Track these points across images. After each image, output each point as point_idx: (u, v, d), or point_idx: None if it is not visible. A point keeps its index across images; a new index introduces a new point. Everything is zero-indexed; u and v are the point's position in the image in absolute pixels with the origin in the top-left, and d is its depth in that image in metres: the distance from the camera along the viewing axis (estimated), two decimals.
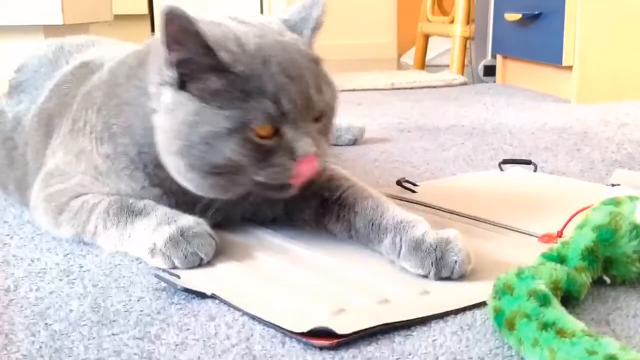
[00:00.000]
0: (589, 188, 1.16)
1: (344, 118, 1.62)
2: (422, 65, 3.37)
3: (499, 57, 2.74)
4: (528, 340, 0.61)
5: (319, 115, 0.86)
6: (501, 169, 1.29)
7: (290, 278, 0.80)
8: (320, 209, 0.94)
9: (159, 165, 0.88)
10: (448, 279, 0.79)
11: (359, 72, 3.05)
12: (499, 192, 1.15)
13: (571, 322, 0.61)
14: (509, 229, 0.96)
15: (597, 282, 0.78)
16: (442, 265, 0.79)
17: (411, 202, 1.09)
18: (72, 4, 2.55)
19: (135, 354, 0.65)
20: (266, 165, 0.82)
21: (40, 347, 0.66)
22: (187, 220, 0.85)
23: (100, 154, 0.93)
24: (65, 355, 0.65)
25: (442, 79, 2.70)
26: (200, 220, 0.86)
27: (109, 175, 0.92)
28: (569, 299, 0.73)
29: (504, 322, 0.64)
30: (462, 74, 2.84)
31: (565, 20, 2.13)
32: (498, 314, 0.66)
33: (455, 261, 0.79)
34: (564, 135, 1.67)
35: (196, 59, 0.81)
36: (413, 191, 1.14)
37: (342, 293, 0.75)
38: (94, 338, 0.68)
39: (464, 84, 2.68)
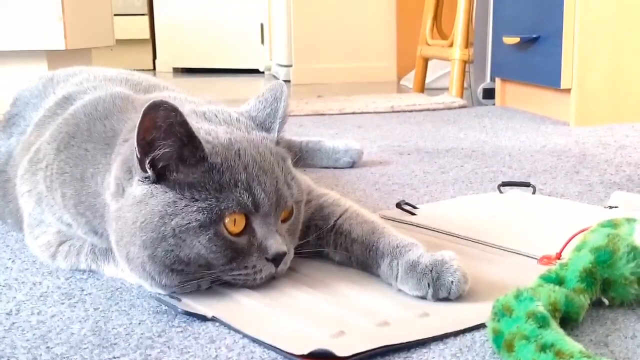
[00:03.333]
0: (587, 210, 1.17)
1: (342, 140, 1.63)
2: (422, 88, 3.38)
3: (498, 80, 2.76)
4: None
5: (288, 213, 0.86)
6: (500, 191, 1.30)
7: (290, 300, 0.80)
8: (318, 240, 0.94)
9: (95, 232, 0.89)
10: (446, 299, 0.80)
11: (359, 95, 3.07)
12: (498, 214, 1.16)
13: (570, 343, 0.61)
14: (508, 251, 0.97)
15: (596, 304, 0.78)
16: (438, 286, 0.80)
17: (411, 224, 1.10)
18: (75, 29, 2.58)
19: None
20: (237, 266, 0.81)
21: None
22: None
23: (56, 203, 0.93)
24: None
25: (442, 101, 2.72)
26: None
27: (75, 226, 0.93)
28: (568, 320, 0.73)
29: (503, 344, 0.65)
30: (462, 96, 2.86)
31: (563, 43, 2.15)
32: (497, 336, 0.66)
33: (452, 281, 0.80)
34: (562, 157, 1.68)
35: (176, 152, 0.79)
36: (413, 214, 1.15)
37: (342, 315, 0.76)
38: None
39: (464, 106, 2.69)
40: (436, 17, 3.32)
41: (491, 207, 1.20)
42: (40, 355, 0.70)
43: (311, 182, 1.01)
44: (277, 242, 0.82)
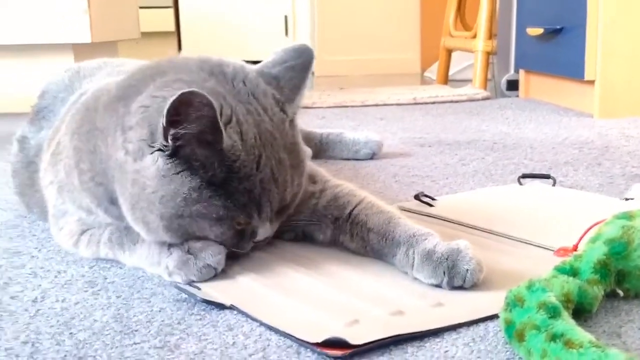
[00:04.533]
0: (606, 202, 1.17)
1: (363, 132, 1.64)
2: (445, 80, 3.38)
3: (521, 71, 2.75)
4: (537, 351, 0.62)
5: (285, 206, 0.90)
6: (520, 183, 1.30)
7: (307, 290, 0.82)
8: (335, 229, 0.95)
9: (111, 201, 0.90)
10: (461, 288, 0.81)
11: (383, 87, 3.07)
12: (517, 206, 1.16)
13: (580, 333, 0.62)
14: (525, 242, 0.97)
15: (610, 295, 0.79)
16: (454, 274, 0.81)
17: (429, 216, 1.10)
18: (100, 22, 2.61)
19: None
20: (238, 245, 0.87)
21: (65, 356, 0.69)
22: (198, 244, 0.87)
23: (75, 188, 0.94)
24: None
25: (465, 93, 2.71)
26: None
27: (95, 212, 0.95)
28: (581, 311, 0.74)
29: (514, 334, 0.65)
30: (485, 88, 2.85)
31: (587, 34, 2.13)
32: (509, 326, 0.67)
33: (467, 270, 0.81)
34: (584, 149, 1.67)
35: (196, 139, 0.80)
36: (431, 205, 1.15)
37: (357, 305, 0.77)
38: (116, 347, 0.70)
39: (487, 98, 2.68)
40: (460, 8, 3.30)
41: (510, 199, 1.21)
42: (64, 341, 0.72)
43: (326, 172, 1.02)
44: (265, 230, 0.88)
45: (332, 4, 4.15)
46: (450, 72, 3.52)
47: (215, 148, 0.81)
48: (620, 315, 0.75)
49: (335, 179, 1.01)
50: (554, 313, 0.65)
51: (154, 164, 0.82)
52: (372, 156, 1.59)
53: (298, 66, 0.92)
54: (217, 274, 0.86)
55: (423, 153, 1.68)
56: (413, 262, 0.85)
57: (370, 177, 1.43)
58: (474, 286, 0.81)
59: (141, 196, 0.83)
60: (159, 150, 0.82)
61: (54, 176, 0.99)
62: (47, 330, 0.75)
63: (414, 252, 0.85)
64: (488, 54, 2.89)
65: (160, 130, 0.81)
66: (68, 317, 0.78)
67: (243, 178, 0.83)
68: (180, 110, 0.78)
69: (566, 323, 0.64)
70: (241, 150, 0.82)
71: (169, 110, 0.79)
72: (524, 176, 1.32)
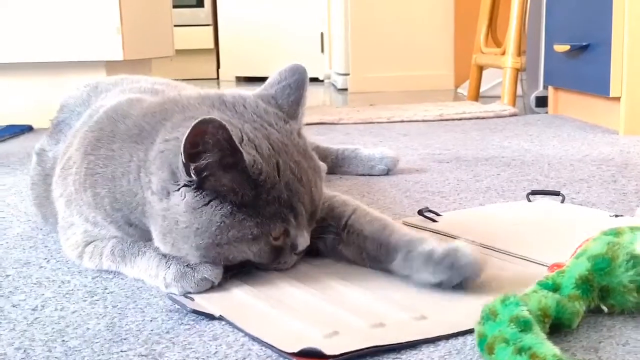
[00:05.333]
0: (613, 220, 1.16)
1: (378, 148, 1.66)
2: (476, 96, 3.37)
3: (550, 88, 2.73)
4: None
5: (315, 209, 0.92)
6: (529, 200, 1.30)
7: (294, 301, 0.84)
8: (335, 239, 0.98)
9: (129, 224, 0.94)
10: (460, 286, 0.84)
11: (412, 104, 3.08)
12: (521, 222, 1.16)
13: (546, 347, 0.63)
14: (523, 258, 0.98)
15: (595, 311, 0.79)
16: (456, 271, 0.84)
17: (432, 231, 1.11)
18: (133, 40, 2.67)
19: None
20: (275, 261, 0.90)
21: None
22: None
23: (85, 203, 0.98)
24: None
25: (492, 110, 2.71)
26: None
27: (101, 225, 0.98)
28: (561, 326, 0.74)
29: (485, 347, 0.66)
30: (514, 105, 2.84)
31: (612, 51, 2.12)
32: (481, 339, 0.68)
33: (469, 263, 0.84)
34: (603, 166, 1.66)
35: (218, 164, 0.83)
36: (434, 221, 1.16)
37: (340, 316, 0.79)
38: (103, 354, 0.73)
39: (514, 115, 2.68)
40: (491, 25, 3.31)
41: (515, 215, 1.21)
42: (55, 347, 0.75)
43: None
44: (305, 241, 0.90)
45: (366, 21, 4.18)
46: (484, 89, 3.52)
47: (238, 168, 0.84)
48: (601, 331, 0.76)
49: (326, 189, 1.04)
50: (524, 327, 0.66)
51: (182, 200, 0.85)
52: (387, 172, 1.61)
53: (294, 84, 0.95)
54: (214, 286, 0.89)
55: (439, 169, 1.69)
56: (413, 264, 0.87)
57: (381, 193, 1.44)
58: (477, 279, 0.85)
59: (173, 230, 0.86)
60: (185, 186, 0.84)
61: (63, 189, 1.03)
62: (40, 338, 0.78)
63: (413, 255, 0.88)
64: (517, 70, 2.89)
65: (181, 168, 0.84)
66: (63, 325, 0.81)
67: (270, 189, 0.85)
68: (197, 141, 0.82)
69: (536, 337, 0.65)
70: (261, 162, 0.85)
71: (185, 145, 0.82)
72: (533, 193, 1.33)
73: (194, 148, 0.82)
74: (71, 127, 1.17)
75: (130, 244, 0.95)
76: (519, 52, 2.89)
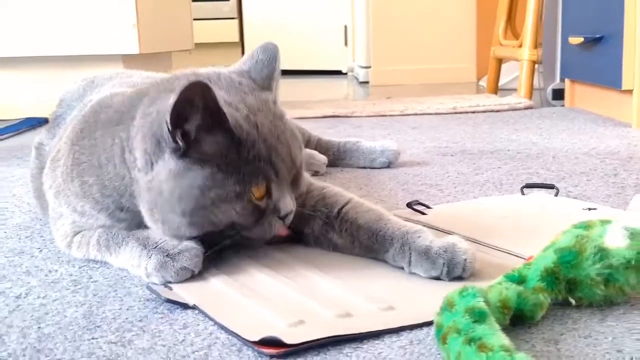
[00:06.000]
0: (604, 213, 1.16)
1: (380, 141, 1.66)
2: (495, 89, 3.36)
3: (567, 80, 2.71)
4: (453, 354, 0.64)
5: (296, 173, 0.94)
6: (523, 193, 1.30)
7: (267, 291, 0.85)
8: (324, 227, 0.99)
9: (120, 208, 0.96)
10: (460, 278, 0.86)
11: (429, 97, 3.08)
12: (509, 215, 1.17)
13: (496, 338, 0.64)
14: (504, 251, 0.98)
15: (564, 304, 0.80)
16: (453, 265, 0.87)
17: (419, 223, 1.12)
18: (149, 34, 2.70)
19: (104, 356, 0.72)
20: (258, 225, 0.91)
21: (25, 348, 0.74)
22: (171, 240, 0.91)
23: (72, 193, 1.00)
24: (44, 355, 0.73)
25: (507, 103, 2.69)
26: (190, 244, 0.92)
27: (88, 214, 1.00)
28: (524, 318, 0.75)
29: (440, 337, 0.67)
30: (530, 97, 2.82)
31: (624, 43, 2.10)
32: (438, 329, 0.69)
33: (465, 259, 0.87)
34: (607, 159, 1.65)
35: (204, 126, 0.86)
36: (423, 213, 1.17)
37: (308, 306, 0.80)
38: (75, 341, 0.75)
39: (529, 107, 2.66)
40: (510, 17, 3.28)
41: (505, 208, 1.21)
42: (30, 334, 0.78)
43: (309, 176, 1.06)
44: (288, 203, 0.92)
45: (388, 14, 4.17)
46: (504, 81, 3.50)
47: (221, 129, 0.86)
48: (566, 324, 0.76)
49: (318, 181, 1.05)
50: (479, 318, 0.67)
51: (165, 168, 0.88)
52: (389, 165, 1.61)
53: (266, 60, 0.97)
54: (194, 275, 0.90)
55: (441, 162, 1.69)
56: (410, 257, 0.90)
57: (379, 185, 1.45)
58: (471, 275, 0.87)
59: (158, 201, 0.89)
60: (171, 153, 0.87)
61: (52, 181, 1.05)
62: (18, 324, 0.80)
63: (409, 248, 0.90)
64: (534, 62, 2.87)
65: (166, 135, 0.86)
66: (42, 312, 0.84)
67: (250, 147, 0.88)
68: (184, 106, 0.84)
69: (489, 328, 0.65)
70: (242, 120, 0.88)
71: (172, 111, 0.84)
72: (528, 186, 1.32)
73: (179, 116, 0.85)
74: (66, 121, 1.20)
75: (115, 234, 0.97)
76: (536, 45, 2.86)
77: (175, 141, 0.86)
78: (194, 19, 3.58)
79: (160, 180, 0.88)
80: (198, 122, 0.85)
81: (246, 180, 0.87)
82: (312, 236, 1.01)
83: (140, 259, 0.92)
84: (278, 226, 0.93)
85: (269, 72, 0.97)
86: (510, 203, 1.24)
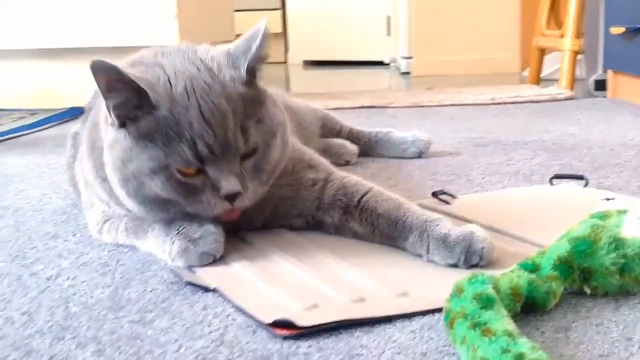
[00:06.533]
0: (627, 203, 1.15)
1: (411, 131, 1.67)
2: (537, 79, 3.32)
3: (609, 71, 2.67)
4: (459, 338, 0.65)
5: (246, 154, 0.91)
6: (551, 184, 1.30)
7: (287, 276, 0.87)
8: (344, 215, 1.01)
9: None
10: (476, 266, 0.88)
11: (469, 87, 3.06)
12: (535, 206, 1.17)
13: (501, 324, 0.65)
14: (522, 240, 0.99)
15: (579, 293, 0.80)
16: (471, 253, 0.88)
17: (442, 213, 1.12)
18: (190, 25, 2.74)
19: (125, 334, 0.75)
20: (193, 201, 0.91)
21: (52, 325, 0.78)
22: (192, 225, 0.94)
23: (98, 189, 1.03)
24: (69, 333, 0.76)
25: (547, 93, 2.67)
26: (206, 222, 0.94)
27: (113, 207, 1.03)
28: (536, 306, 0.76)
29: (448, 321, 0.68)
30: (571, 88, 2.79)
31: None
32: (447, 314, 0.70)
33: (482, 247, 0.88)
34: None
35: (130, 102, 0.89)
36: (448, 203, 1.18)
37: (324, 291, 0.82)
38: (98, 320, 0.79)
39: (570, 98, 2.63)
40: (553, 6, 3.24)
41: (532, 199, 1.21)
42: (57, 313, 0.81)
43: (330, 165, 1.08)
44: (229, 183, 0.89)
45: (430, 4, 4.14)
46: (548, 71, 3.46)
47: (144, 106, 0.88)
48: (579, 312, 0.76)
49: (340, 171, 1.07)
50: (486, 304, 0.68)
51: (106, 138, 0.93)
52: (420, 155, 1.62)
53: (249, 36, 0.95)
54: (216, 260, 0.93)
55: (474, 153, 1.69)
56: (428, 245, 0.91)
57: (409, 175, 1.46)
58: (489, 263, 0.88)
59: (108, 173, 0.94)
60: (111, 124, 0.92)
61: (82, 173, 1.09)
62: (47, 304, 0.84)
63: (428, 236, 0.91)
64: (575, 53, 2.83)
65: (106, 111, 0.92)
66: (71, 293, 0.87)
67: (171, 121, 0.88)
68: (98, 81, 0.88)
69: (495, 314, 0.66)
70: (165, 96, 0.89)
71: (99, 88, 0.89)
72: (556, 177, 1.32)
73: (108, 88, 0.88)
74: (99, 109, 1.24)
75: (140, 221, 1.00)
76: (578, 35, 2.83)
77: (111, 115, 0.91)
78: (237, 10, 3.62)
79: (105, 151, 0.94)
80: (118, 100, 0.89)
81: (166, 155, 0.88)
82: (333, 225, 1.03)
83: (165, 245, 0.95)
84: (221, 206, 0.91)
85: (245, 49, 0.94)
86: (537, 194, 1.24)
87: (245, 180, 0.91)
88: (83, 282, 0.91)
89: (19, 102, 2.83)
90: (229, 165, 0.90)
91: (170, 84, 0.91)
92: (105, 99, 0.90)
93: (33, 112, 2.68)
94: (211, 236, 0.93)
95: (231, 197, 0.90)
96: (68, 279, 0.92)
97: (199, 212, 0.92)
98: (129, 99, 0.89)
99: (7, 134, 2.21)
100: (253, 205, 0.95)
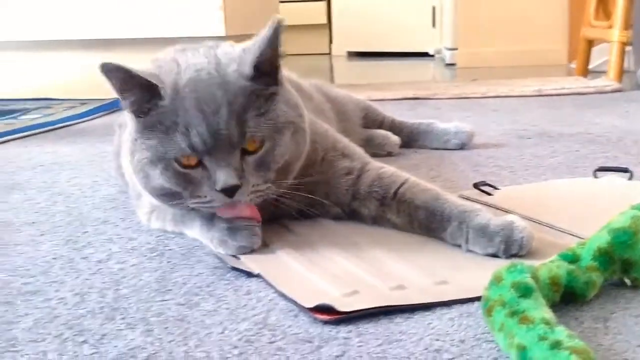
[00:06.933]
0: None
1: (454, 122, 1.67)
2: (584, 71, 3.28)
3: None
4: (497, 325, 0.66)
5: (255, 146, 0.91)
6: (595, 177, 1.29)
7: (329, 263, 0.89)
8: (381, 207, 1.02)
9: None
10: (515, 255, 0.89)
11: (515, 79, 3.04)
12: (574, 198, 1.17)
13: (539, 312, 0.65)
14: (563, 231, 0.99)
15: (620, 284, 0.80)
16: (510, 243, 0.89)
17: (483, 204, 1.13)
18: (236, 16, 2.77)
19: (172, 315, 0.78)
20: (191, 194, 0.92)
21: (103, 307, 0.81)
22: (237, 221, 0.95)
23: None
24: (119, 313, 0.79)
25: (594, 85, 2.64)
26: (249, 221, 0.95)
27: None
28: (575, 296, 0.76)
29: (486, 309, 0.70)
30: (619, 80, 2.75)
31: None
32: (485, 302, 0.71)
33: (522, 237, 0.89)
34: None
35: (142, 97, 0.92)
36: (489, 194, 1.18)
37: (365, 278, 0.84)
38: (147, 302, 0.82)
39: (618, 90, 2.59)
40: None
41: (575, 191, 1.21)
42: (107, 295, 0.84)
43: (367, 155, 1.10)
44: (226, 176, 0.89)
45: None
46: (596, 63, 3.41)
47: (151, 93, 0.91)
48: (618, 303, 0.77)
49: (376, 161, 1.08)
50: (524, 292, 0.69)
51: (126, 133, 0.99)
52: (462, 146, 1.62)
53: (263, 32, 0.93)
54: (255, 250, 0.95)
55: (518, 144, 1.68)
56: (467, 235, 0.92)
57: (451, 166, 1.46)
58: (528, 253, 0.89)
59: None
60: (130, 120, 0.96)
61: (127, 166, 1.12)
62: (98, 286, 0.87)
63: (467, 226, 0.92)
64: (624, 44, 2.79)
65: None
66: (120, 276, 0.90)
67: (170, 112, 0.90)
68: (116, 84, 0.91)
69: (533, 302, 0.67)
70: (171, 85, 0.91)
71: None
72: (600, 169, 1.31)
73: (119, 89, 0.92)
74: None
75: (185, 212, 1.02)
76: (627, 26, 2.78)
77: (128, 112, 0.95)
78: (282, 1, 3.64)
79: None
80: (130, 98, 0.92)
81: (162, 144, 0.91)
82: (370, 217, 1.04)
83: (208, 234, 0.97)
84: (219, 199, 0.91)
85: (253, 43, 0.93)
86: (579, 186, 1.24)
87: (245, 174, 0.91)
88: (132, 265, 0.94)
89: (70, 92, 2.90)
90: (227, 157, 0.90)
91: (178, 78, 0.93)
92: (121, 98, 0.93)
93: (83, 102, 2.74)
94: (248, 230, 0.94)
95: (229, 191, 0.90)
96: (118, 262, 0.96)
97: (200, 207, 0.94)
98: (140, 94, 0.92)
99: (59, 123, 2.27)
100: (285, 194, 0.97)
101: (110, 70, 0.90)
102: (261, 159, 0.92)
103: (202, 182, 0.92)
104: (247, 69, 0.92)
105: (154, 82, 0.91)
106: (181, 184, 0.92)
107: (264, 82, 0.93)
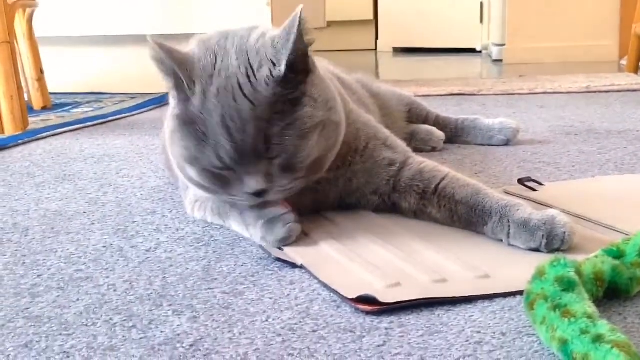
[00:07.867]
0: None
1: (499, 118, 1.66)
2: (635, 68, 3.21)
3: None
4: (539, 318, 0.66)
5: (273, 155, 0.91)
6: None
7: (371, 255, 0.90)
8: (421, 201, 1.03)
9: None
10: (558, 250, 0.89)
11: (564, 75, 3.00)
12: (620, 194, 1.15)
13: (581, 306, 0.65)
14: (607, 227, 0.98)
15: None
16: (552, 237, 0.89)
17: (527, 199, 1.13)
18: (283, 12, 2.78)
19: (217, 303, 0.80)
20: (228, 191, 0.94)
21: (151, 293, 0.83)
22: (270, 213, 0.96)
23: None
24: (166, 300, 0.81)
25: None
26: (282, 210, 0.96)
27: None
28: (619, 292, 0.76)
29: (528, 303, 0.70)
30: None
31: None
32: (527, 296, 0.71)
33: (564, 232, 0.89)
34: None
35: (173, 85, 0.94)
36: (534, 190, 1.18)
37: (407, 270, 0.84)
38: (193, 290, 0.84)
39: None
40: None
41: (620, 187, 1.20)
42: (156, 282, 0.87)
43: (409, 149, 1.10)
44: (253, 181, 0.91)
45: None
46: None
47: (181, 89, 0.93)
48: None
49: (418, 156, 1.09)
50: (567, 287, 0.69)
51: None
52: (507, 142, 1.61)
53: (288, 25, 0.92)
54: (295, 240, 0.96)
55: (564, 141, 1.67)
56: (509, 230, 0.92)
57: (495, 162, 1.46)
58: (570, 248, 0.89)
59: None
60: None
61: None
62: (146, 274, 0.90)
63: (509, 220, 0.93)
64: None
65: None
66: (168, 264, 0.93)
67: (200, 121, 0.90)
68: (161, 69, 0.93)
69: (576, 296, 0.67)
70: (203, 94, 0.91)
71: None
72: None
73: (164, 74, 0.94)
74: None
75: (223, 205, 1.04)
76: None
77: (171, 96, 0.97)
78: None
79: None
80: (167, 81, 0.94)
81: (196, 152, 0.91)
82: (410, 210, 1.05)
83: (247, 232, 0.99)
84: (250, 200, 0.94)
85: (283, 42, 0.91)
86: (626, 183, 1.23)
87: (272, 178, 0.92)
88: (179, 255, 0.96)
89: (120, 87, 2.96)
90: (254, 166, 0.91)
91: (210, 82, 0.92)
92: (166, 82, 0.95)
93: (132, 96, 2.80)
94: (282, 221, 0.95)
95: (258, 193, 0.92)
96: (165, 251, 0.98)
97: (235, 201, 0.97)
98: (174, 82, 0.93)
99: (109, 117, 2.32)
100: (324, 181, 1.01)
101: (158, 55, 0.93)
102: (287, 163, 0.92)
103: (234, 184, 0.93)
104: (281, 71, 0.90)
105: (186, 81, 0.92)
106: (216, 182, 0.94)
107: (294, 81, 0.92)
